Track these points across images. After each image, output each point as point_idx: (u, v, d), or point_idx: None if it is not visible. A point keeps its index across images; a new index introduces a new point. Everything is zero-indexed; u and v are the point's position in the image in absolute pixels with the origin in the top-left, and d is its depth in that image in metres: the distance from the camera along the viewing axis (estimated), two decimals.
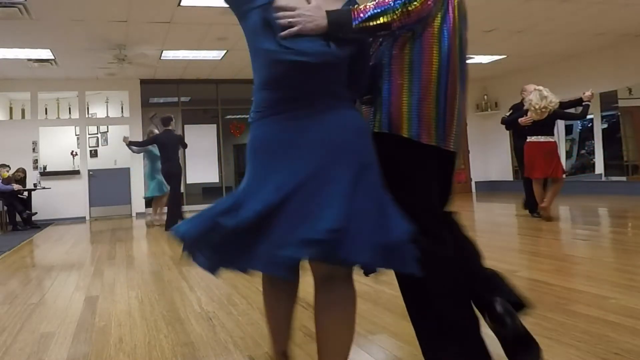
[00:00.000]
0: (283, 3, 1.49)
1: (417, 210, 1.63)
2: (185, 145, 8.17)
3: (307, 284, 3.82)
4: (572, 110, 6.82)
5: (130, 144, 8.34)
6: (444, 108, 1.71)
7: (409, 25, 1.56)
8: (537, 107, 5.92)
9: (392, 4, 1.49)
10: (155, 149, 8.04)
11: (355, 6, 1.52)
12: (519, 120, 6.16)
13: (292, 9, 1.48)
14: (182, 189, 11.30)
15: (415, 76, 1.68)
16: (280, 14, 1.48)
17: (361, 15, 1.48)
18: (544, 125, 6.07)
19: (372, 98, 1.73)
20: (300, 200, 1.44)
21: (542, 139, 6.09)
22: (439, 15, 1.69)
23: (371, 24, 1.49)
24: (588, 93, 6.08)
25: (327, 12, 1.49)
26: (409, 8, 1.49)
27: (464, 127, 1.77)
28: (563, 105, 6.26)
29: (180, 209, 7.86)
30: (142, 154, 8.95)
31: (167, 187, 7.95)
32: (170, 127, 7.82)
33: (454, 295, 1.67)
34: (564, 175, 6.35)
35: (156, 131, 8.36)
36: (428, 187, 1.72)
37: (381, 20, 1.49)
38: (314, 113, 1.51)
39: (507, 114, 6.72)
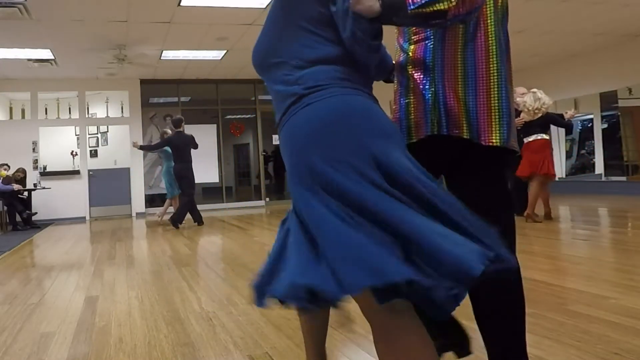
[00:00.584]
0: None
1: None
2: (196, 146, 8.21)
3: None
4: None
5: (141, 148, 8.44)
6: (507, 107, 1.61)
7: (462, 15, 1.43)
8: (530, 108, 6.05)
9: None
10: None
11: None
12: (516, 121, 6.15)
13: None
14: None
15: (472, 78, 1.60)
16: None
17: (417, 0, 1.37)
18: (537, 126, 6.15)
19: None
20: None
21: (531, 138, 6.16)
22: (487, 11, 1.60)
23: (427, 10, 1.37)
24: (571, 112, 6.15)
25: None
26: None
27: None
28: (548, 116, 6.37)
29: (196, 210, 8.03)
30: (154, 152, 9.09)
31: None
32: (181, 129, 7.91)
33: None
34: (554, 173, 6.35)
35: (169, 131, 8.39)
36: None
37: (438, 7, 1.37)
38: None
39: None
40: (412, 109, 1.66)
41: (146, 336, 2.57)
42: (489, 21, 1.60)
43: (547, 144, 6.26)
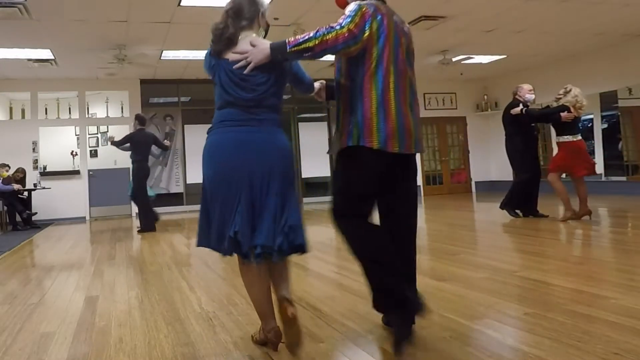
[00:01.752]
0: (239, 49, 2.19)
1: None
2: (164, 147, 8.01)
3: (306, 284, 3.83)
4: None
5: (112, 143, 8.10)
6: (402, 123, 2.22)
7: (328, 50, 2.11)
8: (584, 104, 5.92)
9: (313, 35, 2.08)
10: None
11: (289, 38, 2.12)
12: (563, 115, 5.83)
13: (244, 51, 2.16)
14: (182, 189, 11.38)
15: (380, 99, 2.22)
16: (238, 56, 2.17)
17: (292, 42, 2.10)
18: (577, 124, 6.05)
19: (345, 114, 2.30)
20: None
21: (580, 137, 5.99)
22: (374, 51, 2.20)
23: (300, 47, 2.09)
24: (565, 115, 5.82)
25: (270, 43, 2.13)
26: (325, 38, 2.07)
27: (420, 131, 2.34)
28: (543, 110, 6.32)
29: (150, 209, 7.72)
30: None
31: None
32: (144, 127, 7.74)
33: (372, 257, 2.25)
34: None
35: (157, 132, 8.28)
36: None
37: (307, 45, 2.08)
38: None
39: (520, 110, 6.29)
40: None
41: (146, 336, 2.57)
42: (391, 58, 2.21)
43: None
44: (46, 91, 10.86)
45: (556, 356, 2.00)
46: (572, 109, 5.85)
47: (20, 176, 9.31)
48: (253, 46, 2.15)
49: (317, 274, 3.94)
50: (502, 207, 6.66)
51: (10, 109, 11.59)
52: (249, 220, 2.11)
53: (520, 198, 6.51)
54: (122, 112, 11.68)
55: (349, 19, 2.11)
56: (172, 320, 2.83)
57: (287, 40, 2.11)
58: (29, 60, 8.83)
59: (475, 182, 13.28)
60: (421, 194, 12.84)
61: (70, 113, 11.66)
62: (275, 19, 7.31)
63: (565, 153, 5.96)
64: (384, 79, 2.19)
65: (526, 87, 6.58)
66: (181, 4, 6.54)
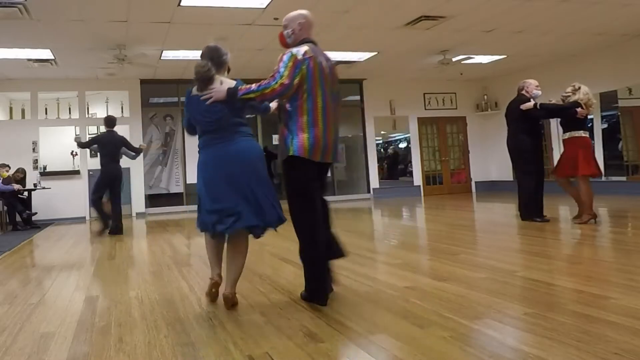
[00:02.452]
0: (213, 86, 3.04)
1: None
2: (136, 151, 7.69)
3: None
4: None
5: (79, 144, 7.81)
6: (325, 137, 3.04)
7: (269, 99, 3.08)
8: (594, 102, 5.94)
9: (256, 88, 2.93)
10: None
11: (241, 86, 3.00)
12: (579, 111, 5.77)
13: (211, 89, 3.02)
14: (182, 189, 11.37)
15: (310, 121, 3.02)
16: (207, 94, 3.02)
17: (241, 91, 2.97)
18: (586, 122, 6.02)
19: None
20: None
21: (587, 134, 5.97)
22: (305, 86, 2.98)
23: (246, 96, 2.97)
24: (581, 110, 5.76)
25: (227, 89, 3.00)
26: (265, 91, 2.92)
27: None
28: (559, 105, 6.09)
29: (119, 214, 7.47)
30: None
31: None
32: (113, 129, 7.45)
33: (310, 233, 3.02)
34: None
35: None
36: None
37: (250, 95, 2.96)
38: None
39: (533, 104, 6.09)
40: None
41: (146, 336, 2.57)
42: (318, 92, 3.01)
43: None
44: (46, 91, 10.85)
45: (556, 356, 2.00)
46: (583, 106, 5.81)
47: (20, 176, 9.31)
48: (221, 84, 3.05)
49: None
50: (524, 218, 6.23)
51: (10, 109, 11.58)
52: (236, 205, 2.98)
53: (535, 202, 6.22)
54: (122, 112, 11.67)
55: (282, 71, 2.92)
56: (172, 320, 2.83)
57: (239, 88, 2.97)
58: (29, 60, 8.84)
59: (475, 182, 13.28)
60: (421, 194, 12.86)
61: (70, 113, 11.66)
62: (275, 18, 7.32)
63: (574, 148, 5.85)
64: (312, 107, 3.00)
65: (533, 82, 6.40)
66: (181, 4, 6.54)
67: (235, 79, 3.15)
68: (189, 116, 3.19)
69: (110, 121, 7.51)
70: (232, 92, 2.96)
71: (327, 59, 3.16)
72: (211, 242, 3.17)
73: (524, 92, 6.33)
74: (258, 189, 2.99)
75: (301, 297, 3.09)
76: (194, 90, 3.09)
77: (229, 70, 3.29)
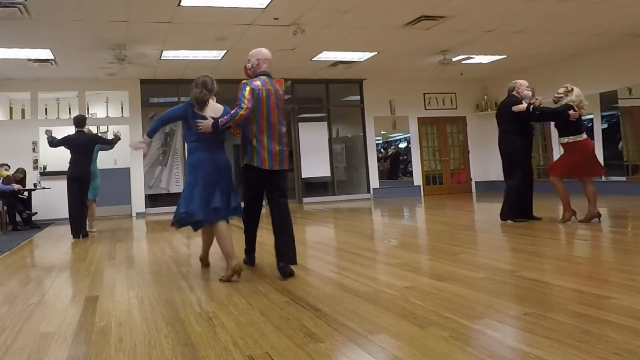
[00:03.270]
0: (204, 113, 3.93)
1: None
2: (110, 142, 7.60)
3: (306, 284, 3.82)
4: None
5: (48, 138, 7.39)
6: (270, 148, 3.93)
7: (241, 123, 3.93)
8: (586, 104, 5.91)
9: (230, 118, 3.83)
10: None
11: (220, 119, 3.87)
12: (571, 114, 5.72)
13: (202, 120, 3.89)
14: (181, 189, 11.34)
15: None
16: (200, 125, 3.88)
17: (221, 123, 3.85)
18: (581, 123, 5.95)
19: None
20: None
21: (585, 136, 5.90)
22: (255, 111, 3.89)
23: (225, 126, 3.87)
24: (572, 113, 5.71)
25: (212, 124, 3.86)
26: (236, 118, 3.82)
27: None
28: (554, 109, 6.01)
29: (83, 216, 7.27)
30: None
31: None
32: (83, 129, 7.29)
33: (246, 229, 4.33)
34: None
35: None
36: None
37: (228, 124, 3.87)
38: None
39: (527, 106, 6.08)
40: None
41: (146, 336, 2.57)
42: (264, 114, 3.91)
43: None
44: (46, 91, 10.85)
45: (556, 356, 2.00)
46: (575, 109, 5.77)
47: (20, 176, 9.31)
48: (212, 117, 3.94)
49: (317, 274, 3.94)
50: (504, 218, 6.28)
51: (10, 109, 11.58)
52: (221, 199, 3.92)
53: (520, 203, 6.26)
54: (122, 112, 11.68)
55: (243, 99, 3.81)
56: (172, 320, 2.83)
57: (220, 121, 3.86)
58: (29, 60, 8.83)
59: (475, 182, 13.28)
60: (421, 194, 12.86)
61: (70, 113, 11.63)
62: (275, 19, 7.32)
63: (571, 153, 5.86)
64: (260, 125, 3.90)
65: (524, 83, 6.37)
66: (181, 4, 6.54)
67: (223, 104, 4.14)
68: (188, 126, 4.04)
69: (79, 121, 7.33)
70: (215, 125, 3.87)
71: (275, 89, 4.03)
72: (207, 230, 4.24)
73: (514, 93, 6.35)
74: (230, 189, 4.03)
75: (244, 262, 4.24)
76: (196, 110, 3.98)
77: (216, 97, 4.25)
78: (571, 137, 5.83)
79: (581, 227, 5.58)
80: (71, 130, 7.44)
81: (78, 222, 7.11)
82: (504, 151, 6.37)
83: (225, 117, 3.86)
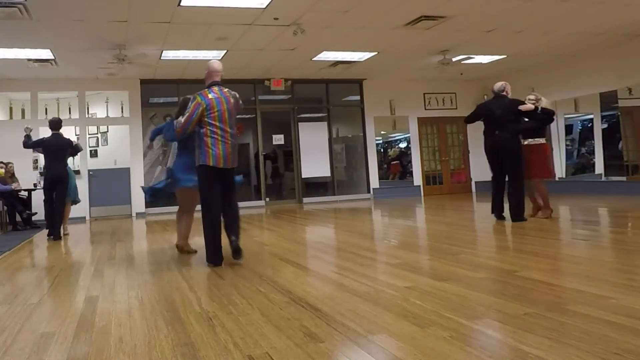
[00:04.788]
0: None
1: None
2: (76, 151, 7.68)
3: (306, 284, 3.82)
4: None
5: (25, 137, 7.46)
6: (224, 150, 4.40)
7: (185, 128, 4.47)
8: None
9: (176, 126, 4.57)
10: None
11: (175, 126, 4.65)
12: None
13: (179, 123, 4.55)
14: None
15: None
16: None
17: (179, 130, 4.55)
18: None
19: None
20: None
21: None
22: (205, 118, 4.39)
23: (178, 131, 4.59)
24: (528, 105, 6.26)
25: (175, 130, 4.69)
26: (178, 129, 4.54)
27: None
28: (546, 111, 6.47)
29: (60, 217, 7.22)
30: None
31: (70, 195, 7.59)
32: (59, 132, 7.28)
33: (210, 222, 4.42)
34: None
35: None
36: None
37: (178, 131, 4.56)
38: None
39: (535, 107, 6.36)
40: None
41: (146, 336, 2.57)
42: (216, 120, 4.38)
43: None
44: (46, 91, 10.85)
45: (556, 356, 2.00)
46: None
47: (12, 169, 9.28)
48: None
49: (317, 274, 3.95)
50: (521, 218, 6.18)
51: (10, 109, 11.58)
52: None
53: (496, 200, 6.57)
54: (122, 112, 11.67)
55: (186, 113, 4.42)
56: (172, 320, 2.83)
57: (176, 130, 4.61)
58: (29, 60, 8.83)
59: (475, 182, 13.28)
60: (421, 194, 12.86)
61: (70, 113, 11.66)
62: (275, 19, 7.32)
63: (540, 154, 6.34)
64: (212, 129, 4.35)
65: (508, 86, 6.65)
66: (181, 4, 6.54)
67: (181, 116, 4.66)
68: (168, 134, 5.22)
69: (55, 124, 7.32)
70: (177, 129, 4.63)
71: (227, 96, 4.49)
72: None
73: (504, 93, 6.50)
74: None
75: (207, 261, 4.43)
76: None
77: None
78: (541, 139, 6.38)
79: (581, 228, 5.58)
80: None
81: (58, 224, 7.14)
82: (514, 151, 6.26)
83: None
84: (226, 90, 4.55)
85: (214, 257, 4.36)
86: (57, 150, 7.19)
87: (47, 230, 7.25)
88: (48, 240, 7.01)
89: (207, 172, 4.38)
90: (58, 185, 7.15)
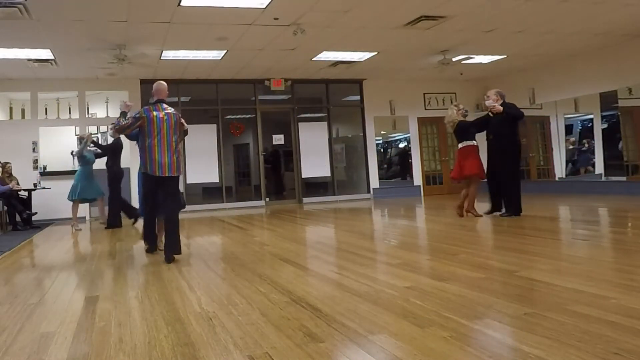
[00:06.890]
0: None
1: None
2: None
3: (306, 284, 3.83)
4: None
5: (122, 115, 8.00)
6: (160, 160, 4.83)
7: (125, 134, 5.65)
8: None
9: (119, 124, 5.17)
10: (89, 154, 8.45)
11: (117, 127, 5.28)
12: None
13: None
14: (182, 189, 11.36)
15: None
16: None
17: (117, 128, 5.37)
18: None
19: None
20: None
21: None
22: (146, 130, 4.86)
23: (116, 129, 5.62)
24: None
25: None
26: (116, 128, 5.39)
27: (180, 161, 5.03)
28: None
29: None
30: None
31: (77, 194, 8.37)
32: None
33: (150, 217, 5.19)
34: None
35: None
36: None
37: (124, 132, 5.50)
38: None
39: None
40: None
41: (146, 336, 2.57)
42: (155, 132, 4.85)
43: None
44: (46, 91, 10.84)
45: (556, 356, 2.00)
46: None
47: (10, 169, 9.28)
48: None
49: (317, 274, 3.95)
50: (518, 212, 6.69)
51: (10, 109, 11.58)
52: None
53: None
54: None
55: (127, 122, 4.98)
56: (172, 320, 2.83)
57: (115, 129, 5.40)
58: (29, 60, 8.83)
59: None
60: (421, 193, 12.86)
61: (70, 113, 11.65)
62: (275, 19, 7.32)
63: (477, 154, 7.00)
64: (152, 140, 4.80)
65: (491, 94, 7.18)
66: (181, 4, 6.54)
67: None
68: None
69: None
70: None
71: (167, 113, 4.93)
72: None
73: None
74: None
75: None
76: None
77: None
78: (474, 141, 7.06)
79: (581, 228, 5.58)
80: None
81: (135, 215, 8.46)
82: (515, 151, 6.93)
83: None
84: (167, 107, 5.02)
85: (148, 240, 5.28)
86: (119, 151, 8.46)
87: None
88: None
89: (148, 178, 4.97)
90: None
